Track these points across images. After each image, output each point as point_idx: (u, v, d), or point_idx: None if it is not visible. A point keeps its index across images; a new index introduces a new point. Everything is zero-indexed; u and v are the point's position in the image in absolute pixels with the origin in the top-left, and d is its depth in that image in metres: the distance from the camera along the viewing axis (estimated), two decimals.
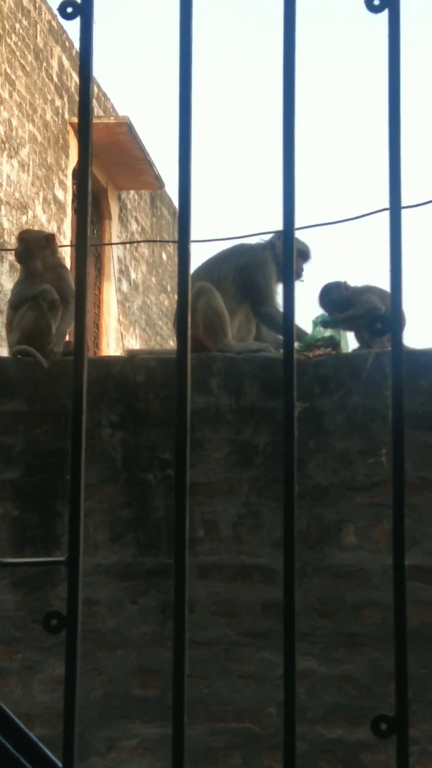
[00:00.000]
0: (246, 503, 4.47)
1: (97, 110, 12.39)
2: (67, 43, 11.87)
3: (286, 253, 1.48)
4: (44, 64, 11.29)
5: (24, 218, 10.56)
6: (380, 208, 5.56)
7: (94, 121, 11.29)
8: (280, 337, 4.93)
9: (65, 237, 11.28)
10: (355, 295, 5.34)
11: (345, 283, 5.40)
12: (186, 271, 1.48)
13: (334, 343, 5.08)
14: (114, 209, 13.17)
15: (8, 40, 10.44)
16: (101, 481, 4.55)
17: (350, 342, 5.37)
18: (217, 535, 4.46)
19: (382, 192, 1.48)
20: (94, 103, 12.25)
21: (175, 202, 1.49)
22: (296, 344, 4.88)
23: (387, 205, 1.46)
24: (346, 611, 4.33)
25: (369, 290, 5.35)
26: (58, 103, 11.60)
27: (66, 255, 9.50)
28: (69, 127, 11.76)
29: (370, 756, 4.21)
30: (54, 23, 11.52)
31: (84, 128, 1.52)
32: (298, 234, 5.48)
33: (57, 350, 4.88)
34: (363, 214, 5.81)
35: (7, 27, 10.43)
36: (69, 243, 10.56)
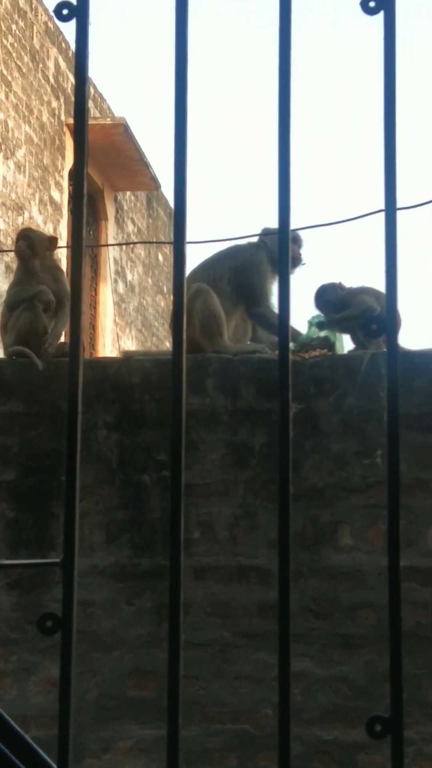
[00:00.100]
0: (242, 504, 4.47)
1: (93, 111, 12.40)
2: (63, 45, 11.87)
3: (281, 255, 1.48)
4: (40, 65, 11.29)
5: (20, 219, 10.56)
6: (376, 209, 5.57)
7: (91, 122, 11.30)
8: (276, 338, 4.93)
9: (61, 238, 11.28)
10: (350, 296, 5.34)
11: (340, 284, 5.40)
12: (182, 272, 1.48)
13: (328, 344, 5.08)
14: (110, 210, 13.17)
15: (4, 41, 10.44)
16: (97, 482, 4.55)
17: (346, 343, 5.38)
18: (212, 537, 4.46)
19: (378, 193, 1.48)
20: (91, 104, 12.26)
21: (171, 203, 1.49)
22: (291, 345, 4.87)
23: (382, 207, 1.46)
24: (342, 612, 4.33)
25: (364, 291, 5.36)
26: (54, 104, 11.60)
27: (62, 256, 9.50)
28: (65, 129, 11.77)
29: (366, 757, 4.21)
30: (50, 24, 11.52)
31: (79, 130, 1.52)
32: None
33: (50, 351, 4.88)
34: (358, 216, 5.81)
35: (3, 28, 10.43)
36: (65, 244, 10.55)
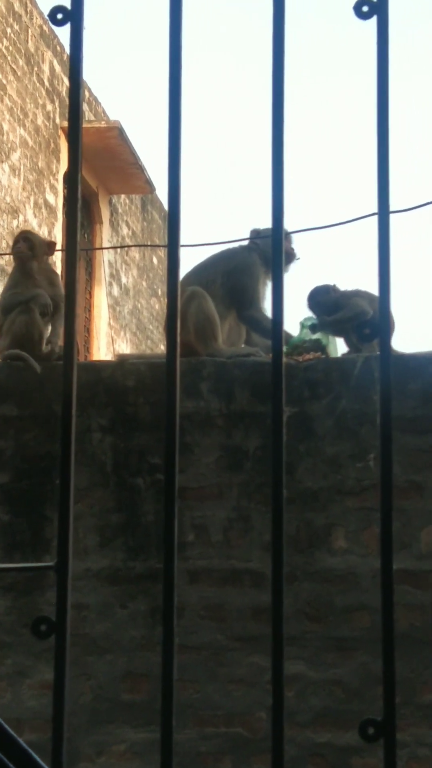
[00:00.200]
0: (236, 507, 4.47)
1: (88, 114, 12.40)
2: (58, 48, 11.88)
3: (275, 257, 1.48)
4: (35, 68, 11.29)
5: (15, 222, 10.56)
6: (369, 212, 5.58)
7: (85, 125, 11.31)
8: (269, 341, 4.93)
9: (56, 241, 11.27)
10: (343, 299, 5.35)
11: (334, 286, 5.40)
12: (175, 276, 1.49)
13: (320, 347, 5.08)
14: (105, 213, 13.17)
15: None
16: (91, 485, 4.55)
17: (340, 346, 5.38)
18: (207, 540, 4.46)
19: (372, 196, 1.48)
20: (85, 107, 12.26)
21: (166, 206, 1.49)
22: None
23: (376, 210, 1.46)
24: (336, 615, 4.34)
25: (358, 294, 5.36)
26: (49, 107, 11.60)
27: (57, 259, 9.50)
28: (60, 132, 11.77)
29: (360, 760, 4.22)
30: (45, 28, 11.52)
31: (74, 134, 1.52)
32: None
33: (57, 350, 4.89)
34: (351, 219, 5.82)
35: None
36: (60, 247, 10.55)
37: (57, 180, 11.72)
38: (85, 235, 12.79)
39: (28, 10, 11.17)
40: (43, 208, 11.32)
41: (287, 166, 1.48)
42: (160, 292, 15.35)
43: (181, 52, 1.50)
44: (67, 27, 1.50)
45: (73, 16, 1.50)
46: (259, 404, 4.53)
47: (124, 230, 13.91)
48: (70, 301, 1.51)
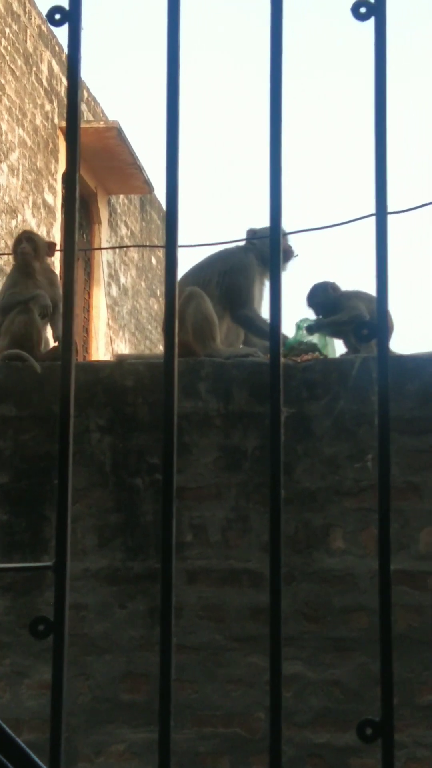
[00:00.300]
0: (234, 508, 4.47)
1: (86, 115, 12.40)
2: (56, 48, 11.88)
3: (272, 257, 1.49)
4: (34, 68, 11.29)
5: (13, 222, 10.56)
6: (367, 213, 5.58)
7: (84, 125, 11.31)
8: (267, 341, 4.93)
9: (55, 241, 11.27)
10: (343, 299, 5.34)
11: (333, 284, 5.39)
12: (173, 276, 1.49)
13: (316, 349, 5.08)
14: (103, 213, 13.17)
15: None
16: (90, 485, 4.55)
17: (338, 347, 5.38)
18: (205, 540, 4.46)
19: (370, 197, 1.49)
20: (84, 107, 12.26)
21: (165, 207, 1.50)
22: None
23: (374, 211, 1.47)
24: (334, 616, 4.34)
25: (357, 296, 5.35)
26: (47, 107, 11.60)
27: (55, 260, 9.50)
28: (59, 132, 11.77)
29: (358, 761, 4.22)
30: (44, 28, 11.52)
31: (72, 134, 1.52)
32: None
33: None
34: (350, 220, 5.83)
35: None
36: (59, 247, 10.55)
37: (56, 180, 11.72)
38: (84, 236, 12.79)
39: (27, 10, 11.17)
40: (41, 208, 11.32)
41: (285, 166, 1.48)
42: (158, 293, 15.36)
43: (179, 52, 1.51)
44: (65, 27, 1.51)
45: (70, 17, 1.50)
46: (258, 404, 4.53)
47: (123, 230, 13.91)
48: (68, 301, 1.51)
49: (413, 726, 4.20)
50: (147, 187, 13.36)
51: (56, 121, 11.79)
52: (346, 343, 5.32)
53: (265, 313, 5.26)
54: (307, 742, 4.26)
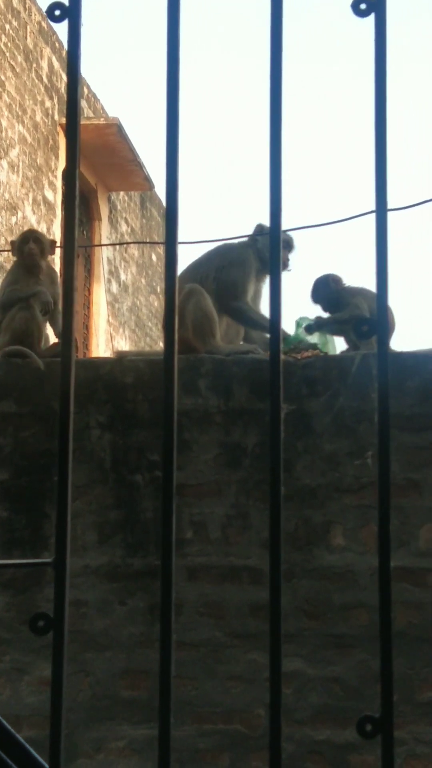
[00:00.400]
0: (234, 504, 4.47)
1: (86, 111, 12.39)
2: (57, 44, 11.87)
3: (272, 256, 1.49)
4: (34, 65, 11.28)
5: (14, 219, 10.55)
6: (368, 209, 5.57)
7: (84, 122, 11.30)
8: (268, 335, 4.93)
9: (55, 238, 11.27)
10: (346, 294, 5.33)
11: (334, 275, 5.38)
12: (173, 273, 1.49)
13: (316, 348, 5.08)
14: (103, 210, 13.17)
15: None
16: (90, 482, 4.55)
17: (339, 344, 5.38)
18: (205, 537, 4.46)
19: (370, 193, 1.48)
20: (84, 104, 12.26)
21: (165, 203, 1.49)
22: None
23: (374, 208, 1.47)
24: (334, 612, 4.34)
25: (361, 293, 5.34)
26: (48, 104, 11.59)
27: (56, 256, 9.49)
28: (59, 128, 11.76)
29: (358, 757, 4.22)
30: (44, 24, 11.51)
31: (72, 131, 1.52)
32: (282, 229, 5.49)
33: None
34: (350, 217, 5.83)
35: None
36: (59, 244, 10.55)
37: (56, 177, 11.71)
38: (84, 232, 12.78)
39: (27, 6, 11.16)
40: (41, 205, 11.32)
41: (285, 163, 1.48)
42: (159, 289, 15.35)
43: (180, 50, 1.50)
44: (65, 23, 1.50)
45: (70, 13, 1.50)
46: (258, 401, 4.53)
47: (123, 227, 13.91)
48: (68, 297, 1.51)
49: (413, 723, 4.21)
50: (147, 183, 13.36)
51: (56, 117, 11.78)
52: (347, 340, 5.32)
53: (265, 310, 5.26)
54: (307, 739, 4.26)
